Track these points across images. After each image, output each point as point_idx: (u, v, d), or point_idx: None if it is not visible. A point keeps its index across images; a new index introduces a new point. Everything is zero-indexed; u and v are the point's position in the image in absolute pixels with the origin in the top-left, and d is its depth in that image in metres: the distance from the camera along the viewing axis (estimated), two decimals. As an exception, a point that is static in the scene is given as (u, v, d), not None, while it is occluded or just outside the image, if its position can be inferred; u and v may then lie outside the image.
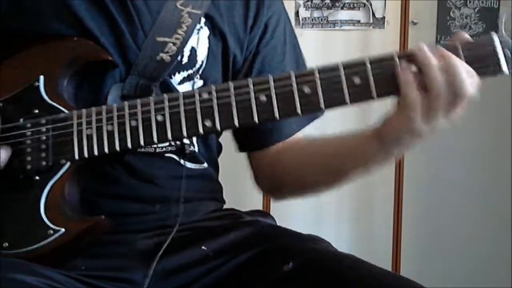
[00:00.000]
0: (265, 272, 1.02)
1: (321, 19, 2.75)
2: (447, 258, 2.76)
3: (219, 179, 1.22)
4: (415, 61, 0.93)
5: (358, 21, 2.75)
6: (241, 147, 1.23)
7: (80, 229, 0.98)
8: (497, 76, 0.95)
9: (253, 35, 1.17)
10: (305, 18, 2.75)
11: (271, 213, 1.25)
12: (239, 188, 1.72)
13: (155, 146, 1.09)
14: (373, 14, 2.75)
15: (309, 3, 2.75)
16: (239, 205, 1.23)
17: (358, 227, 2.81)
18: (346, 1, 2.74)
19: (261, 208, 2.39)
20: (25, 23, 1.06)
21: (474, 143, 2.72)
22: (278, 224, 1.20)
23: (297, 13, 2.74)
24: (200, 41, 1.12)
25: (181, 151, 1.10)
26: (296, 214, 2.65)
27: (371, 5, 2.74)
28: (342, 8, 2.75)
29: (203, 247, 1.06)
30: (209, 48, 1.13)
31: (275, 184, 1.21)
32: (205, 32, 1.13)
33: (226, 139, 1.23)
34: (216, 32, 1.14)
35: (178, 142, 1.10)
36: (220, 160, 1.23)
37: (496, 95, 2.63)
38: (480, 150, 2.72)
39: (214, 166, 1.20)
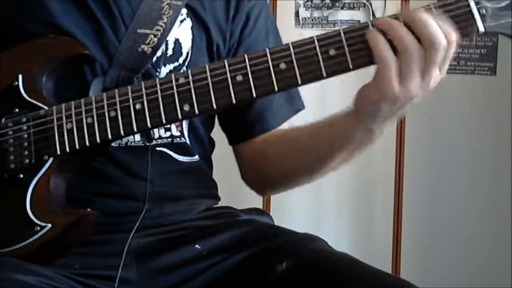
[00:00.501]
0: (260, 272, 1.02)
1: (321, 19, 2.75)
2: (447, 258, 2.76)
3: (219, 176, 1.22)
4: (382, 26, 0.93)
5: (358, 21, 2.75)
6: (229, 140, 1.24)
7: (67, 223, 0.98)
8: (474, 35, 0.93)
9: (235, 25, 1.18)
10: (305, 18, 2.75)
11: (271, 212, 1.25)
12: (239, 185, 1.72)
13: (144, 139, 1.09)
14: (373, 14, 2.74)
15: (309, 3, 2.75)
16: (238, 202, 1.23)
17: (358, 227, 2.81)
18: (346, 1, 2.74)
19: (260, 207, 2.40)
20: (0, 25, 1.07)
21: (474, 143, 2.72)
22: (277, 223, 1.20)
23: (297, 13, 2.74)
24: (183, 33, 1.12)
25: (147, 137, 1.09)
26: (295, 214, 2.65)
27: (371, 5, 2.74)
28: (342, 8, 2.75)
29: (197, 246, 1.07)
30: (192, 40, 1.14)
31: (260, 177, 1.22)
32: (188, 23, 1.14)
33: (223, 135, 1.23)
34: (199, 23, 1.15)
35: (168, 133, 1.10)
36: (220, 157, 1.24)
37: (496, 95, 2.63)
38: (480, 150, 2.71)
39: (207, 161, 1.21)
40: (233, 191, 1.27)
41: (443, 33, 0.90)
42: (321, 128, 1.09)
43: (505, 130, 2.65)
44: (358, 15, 2.75)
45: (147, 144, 1.09)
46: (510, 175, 2.65)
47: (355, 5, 2.74)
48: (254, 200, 1.30)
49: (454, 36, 0.91)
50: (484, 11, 0.92)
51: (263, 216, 1.20)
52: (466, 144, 2.72)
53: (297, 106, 1.24)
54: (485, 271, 2.72)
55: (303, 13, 2.75)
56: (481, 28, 0.92)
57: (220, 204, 1.23)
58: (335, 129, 1.06)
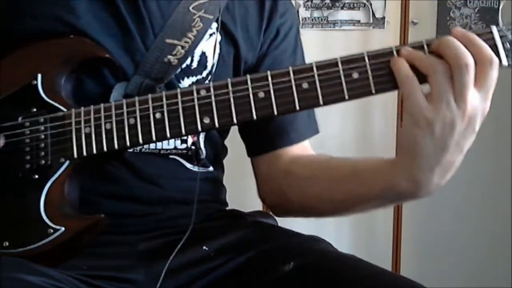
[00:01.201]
0: (266, 272, 1.02)
1: (321, 19, 2.75)
2: (447, 258, 2.76)
3: (224, 181, 1.22)
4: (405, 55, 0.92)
5: (358, 21, 2.75)
6: (248, 151, 1.23)
7: (80, 227, 0.98)
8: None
9: (265, 38, 1.17)
10: (305, 18, 2.75)
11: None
12: (242, 189, 1.72)
13: (159, 147, 1.09)
14: (373, 14, 2.75)
15: (309, 3, 2.75)
16: (241, 206, 1.23)
17: (358, 227, 2.81)
18: (346, 1, 2.74)
19: (261, 208, 2.39)
20: (25, 26, 1.06)
21: (474, 143, 2.71)
22: (279, 225, 1.20)
23: (297, 13, 2.74)
24: (210, 47, 1.11)
25: (195, 155, 1.10)
26: (296, 214, 2.65)
27: (371, 5, 2.74)
28: (342, 8, 2.75)
29: (204, 247, 1.07)
30: (220, 54, 1.13)
31: (279, 197, 1.19)
32: (217, 37, 1.13)
33: (229, 140, 1.23)
34: (228, 38, 1.13)
35: (193, 147, 1.10)
36: (225, 161, 1.23)
37: (496, 95, 2.63)
38: (480, 150, 2.71)
39: (220, 169, 1.20)
40: (238, 195, 1.27)
41: (469, 52, 0.89)
42: (362, 172, 1.06)
43: (505, 130, 2.65)
44: (358, 15, 2.75)
45: (181, 160, 1.09)
46: (510, 175, 2.65)
47: (355, 5, 2.74)
48: (258, 204, 1.30)
49: (485, 55, 0.89)
50: (508, 45, 0.92)
51: (267, 218, 1.20)
52: (466, 144, 2.72)
53: (315, 128, 1.23)
54: (485, 271, 2.72)
55: (303, 13, 2.75)
56: (505, 62, 0.93)
57: (226, 208, 1.23)
58: (377, 177, 1.02)
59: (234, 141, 1.23)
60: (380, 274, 0.98)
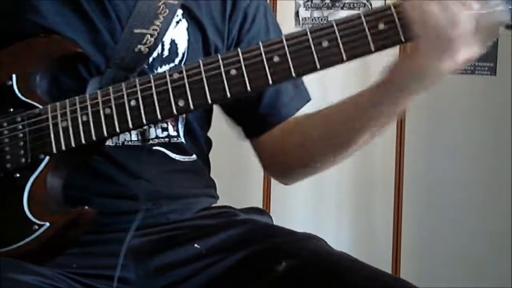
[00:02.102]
0: (259, 271, 1.02)
1: (321, 19, 2.75)
2: (447, 258, 2.76)
3: (219, 176, 1.22)
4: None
5: (358, 21, 2.75)
6: (245, 135, 1.24)
7: (65, 221, 0.98)
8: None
9: (232, 23, 1.17)
10: (305, 18, 2.75)
11: (271, 211, 1.25)
12: (239, 185, 1.73)
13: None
14: (373, 14, 2.75)
15: (309, 3, 2.75)
16: (238, 202, 1.23)
17: (358, 227, 2.81)
18: (346, 1, 2.74)
19: (261, 206, 2.40)
20: None
21: (474, 143, 2.72)
22: (277, 222, 1.20)
23: (297, 13, 2.74)
24: (179, 33, 1.12)
25: (142, 135, 1.09)
26: (296, 213, 2.65)
27: (371, 5, 2.74)
28: (342, 8, 2.75)
29: (196, 245, 1.07)
30: (188, 40, 1.13)
31: (282, 167, 1.21)
32: (183, 24, 1.13)
33: (228, 137, 1.23)
34: (194, 23, 1.14)
35: (165, 133, 1.10)
36: (219, 156, 1.23)
37: (496, 95, 2.63)
38: (480, 150, 2.71)
39: (204, 160, 1.21)
40: (233, 191, 1.27)
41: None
42: (345, 110, 1.07)
43: (505, 130, 2.65)
44: (358, 15, 2.75)
45: (143, 145, 1.09)
46: (510, 175, 2.65)
47: (355, 5, 2.74)
48: (254, 200, 1.29)
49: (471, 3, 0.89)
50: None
51: (262, 215, 1.20)
52: (466, 144, 2.72)
53: (306, 96, 1.23)
54: (485, 271, 2.72)
55: (303, 13, 2.75)
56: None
57: (219, 203, 1.22)
58: (361, 109, 1.04)
59: (233, 135, 1.23)
60: (375, 273, 0.99)
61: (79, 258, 1.02)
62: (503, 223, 2.67)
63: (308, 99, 1.23)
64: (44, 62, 1.04)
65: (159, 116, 0.97)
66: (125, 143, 1.08)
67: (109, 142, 1.06)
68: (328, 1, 2.75)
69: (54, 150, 1.00)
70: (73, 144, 0.99)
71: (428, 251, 2.79)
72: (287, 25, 2.66)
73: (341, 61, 0.94)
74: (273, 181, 1.40)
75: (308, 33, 0.94)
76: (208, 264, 1.05)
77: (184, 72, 0.97)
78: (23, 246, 0.97)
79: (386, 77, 0.98)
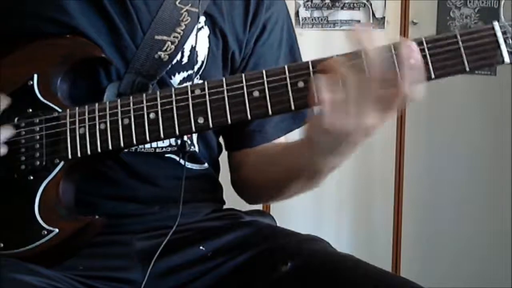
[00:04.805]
0: (264, 273, 1.02)
1: (321, 19, 2.75)
2: (447, 258, 2.76)
3: (223, 179, 1.22)
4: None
5: (358, 21, 2.75)
6: (226, 146, 1.24)
7: (74, 229, 0.98)
8: (498, 65, 0.91)
9: (251, 34, 1.17)
10: (305, 18, 2.75)
11: (271, 213, 1.25)
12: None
13: (154, 146, 1.08)
14: (373, 14, 2.74)
15: (309, 3, 2.75)
16: (240, 205, 1.23)
17: (358, 227, 2.81)
18: (346, 1, 2.74)
19: (260, 207, 2.40)
20: (17, 25, 1.06)
21: (475, 143, 2.72)
22: (278, 224, 1.20)
23: (297, 13, 2.74)
24: (200, 41, 1.11)
25: (181, 149, 1.09)
26: (296, 215, 2.65)
27: (371, 5, 2.74)
28: (342, 8, 2.75)
29: (201, 247, 1.06)
30: (209, 48, 1.12)
31: (247, 182, 1.21)
32: (205, 31, 1.12)
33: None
34: (216, 31, 1.13)
35: (178, 141, 1.10)
36: (224, 160, 1.23)
37: (496, 95, 2.63)
38: (480, 150, 2.71)
39: (215, 166, 1.20)
40: (234, 193, 1.27)
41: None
42: (286, 150, 1.10)
43: (505, 130, 2.65)
44: (358, 15, 2.75)
45: (178, 159, 1.09)
46: (510, 175, 2.65)
47: (355, 5, 2.74)
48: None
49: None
50: (510, 41, 0.90)
51: (265, 217, 1.20)
52: (466, 144, 2.72)
53: (299, 122, 1.21)
54: (485, 271, 2.72)
55: (303, 13, 2.75)
56: (507, 60, 0.90)
57: (224, 206, 1.22)
58: (293, 156, 1.05)
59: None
60: (379, 275, 0.98)
61: (85, 260, 1.01)
62: (503, 223, 2.67)
63: (301, 125, 1.20)
64: (66, 64, 1.03)
65: (177, 132, 0.96)
66: (138, 149, 1.07)
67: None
68: (328, 1, 2.75)
69: (70, 156, 0.99)
70: (89, 152, 0.98)
71: (428, 250, 2.79)
72: (287, 25, 2.66)
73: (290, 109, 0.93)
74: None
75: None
76: (214, 265, 1.05)
77: (206, 89, 0.96)
78: (30, 250, 0.97)
79: (305, 133, 0.98)
